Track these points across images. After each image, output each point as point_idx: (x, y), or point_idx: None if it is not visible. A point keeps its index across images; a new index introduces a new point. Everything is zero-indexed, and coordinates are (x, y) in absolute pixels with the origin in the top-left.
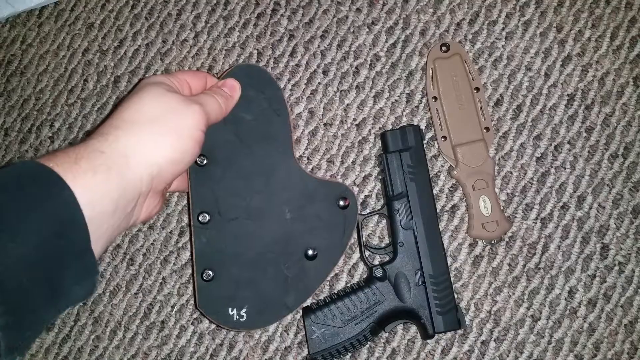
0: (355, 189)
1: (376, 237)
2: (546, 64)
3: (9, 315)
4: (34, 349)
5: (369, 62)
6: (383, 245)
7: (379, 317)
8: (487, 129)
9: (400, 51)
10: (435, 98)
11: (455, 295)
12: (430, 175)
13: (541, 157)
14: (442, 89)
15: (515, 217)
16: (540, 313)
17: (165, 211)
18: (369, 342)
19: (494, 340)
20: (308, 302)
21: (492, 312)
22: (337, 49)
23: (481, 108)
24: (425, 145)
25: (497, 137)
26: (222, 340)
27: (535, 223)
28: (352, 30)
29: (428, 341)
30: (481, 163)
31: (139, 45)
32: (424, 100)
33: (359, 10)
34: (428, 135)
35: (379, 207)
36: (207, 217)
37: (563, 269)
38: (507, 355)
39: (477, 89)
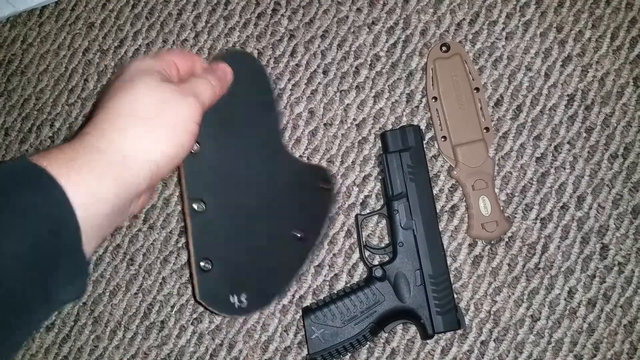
0: (355, 189)
1: (376, 237)
2: (546, 64)
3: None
4: (34, 349)
5: (369, 62)
6: (383, 245)
7: (379, 317)
8: (487, 129)
9: (400, 51)
10: (435, 98)
11: (455, 296)
12: (430, 176)
13: (541, 157)
14: (442, 89)
15: (515, 217)
16: (540, 313)
17: (165, 211)
18: (368, 342)
19: (494, 341)
20: (308, 302)
21: (492, 312)
22: (337, 49)
23: (481, 108)
24: (425, 146)
25: (497, 137)
26: (222, 340)
27: (535, 223)
28: (352, 30)
29: (428, 341)
30: (481, 163)
31: (140, 45)
32: (424, 100)
33: (359, 10)
34: (428, 136)
35: (379, 207)
36: (203, 206)
37: (563, 269)
38: (507, 356)
39: (477, 89)
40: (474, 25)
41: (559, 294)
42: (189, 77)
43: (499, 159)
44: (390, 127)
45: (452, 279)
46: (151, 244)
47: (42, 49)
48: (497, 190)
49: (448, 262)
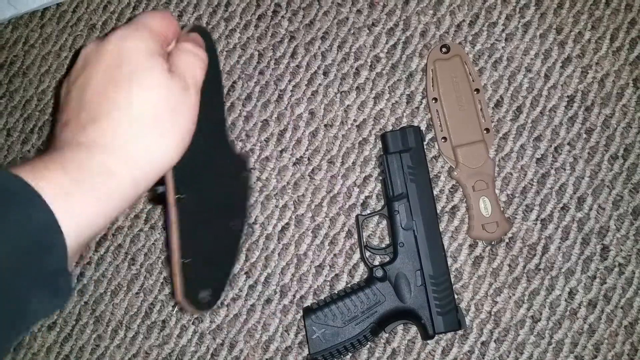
0: (356, 190)
1: (376, 238)
2: (546, 66)
3: None
4: (35, 348)
5: (369, 64)
6: (383, 245)
7: (380, 318)
8: (487, 130)
9: (400, 52)
10: (435, 99)
11: (456, 296)
12: (431, 176)
13: (541, 158)
14: (442, 90)
15: (516, 218)
16: (541, 314)
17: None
18: (369, 343)
19: (494, 341)
20: (309, 302)
21: (493, 313)
22: (337, 50)
23: (481, 109)
24: (425, 146)
25: (497, 138)
26: (223, 340)
27: (536, 224)
28: (352, 31)
29: (428, 342)
30: (481, 164)
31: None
32: (424, 101)
33: (359, 11)
34: (428, 136)
35: (380, 208)
36: (184, 198)
37: (563, 270)
38: (507, 356)
39: (477, 90)
40: (473, 27)
41: (560, 294)
42: (175, 49)
43: (499, 160)
44: (390, 128)
45: (452, 280)
46: (152, 244)
47: (44, 51)
48: (497, 191)
49: (448, 263)
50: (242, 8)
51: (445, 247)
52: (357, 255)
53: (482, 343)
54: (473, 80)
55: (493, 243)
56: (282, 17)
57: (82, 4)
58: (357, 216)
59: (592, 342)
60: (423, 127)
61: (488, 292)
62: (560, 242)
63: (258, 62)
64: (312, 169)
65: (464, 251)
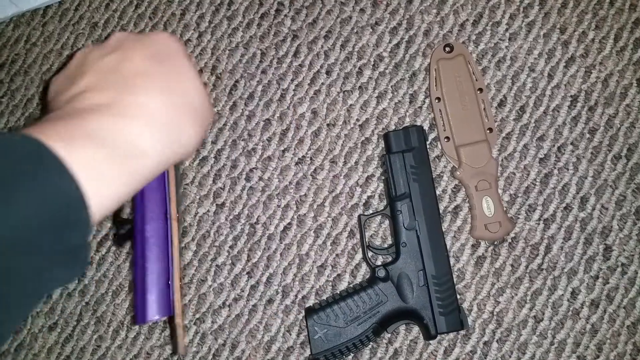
0: (358, 190)
1: (379, 238)
2: (549, 65)
3: None
4: (36, 349)
5: (372, 63)
6: (386, 245)
7: (382, 318)
8: (491, 129)
9: (403, 52)
10: (438, 99)
11: (458, 296)
12: (433, 176)
13: (544, 158)
14: (446, 90)
15: (518, 218)
16: (543, 314)
17: None
18: (371, 343)
19: (497, 341)
20: (311, 302)
21: (495, 313)
22: (340, 49)
23: (484, 109)
24: (428, 146)
25: (500, 138)
26: (225, 340)
27: (538, 224)
28: (355, 30)
29: (430, 342)
30: (484, 164)
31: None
32: (427, 100)
33: (362, 10)
34: (431, 136)
35: (382, 208)
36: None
37: (566, 270)
38: (510, 356)
39: (481, 89)
40: (477, 26)
41: (562, 294)
42: None
43: (502, 160)
44: (393, 127)
45: (455, 280)
46: None
47: (46, 49)
48: (500, 191)
49: (451, 263)
50: (244, 6)
51: (448, 247)
52: (359, 256)
53: (485, 343)
54: (476, 80)
55: (496, 243)
56: (285, 15)
57: (84, 2)
58: (359, 216)
59: (594, 342)
60: (426, 127)
61: (490, 292)
62: (563, 242)
63: (261, 61)
64: (315, 169)
65: (467, 251)
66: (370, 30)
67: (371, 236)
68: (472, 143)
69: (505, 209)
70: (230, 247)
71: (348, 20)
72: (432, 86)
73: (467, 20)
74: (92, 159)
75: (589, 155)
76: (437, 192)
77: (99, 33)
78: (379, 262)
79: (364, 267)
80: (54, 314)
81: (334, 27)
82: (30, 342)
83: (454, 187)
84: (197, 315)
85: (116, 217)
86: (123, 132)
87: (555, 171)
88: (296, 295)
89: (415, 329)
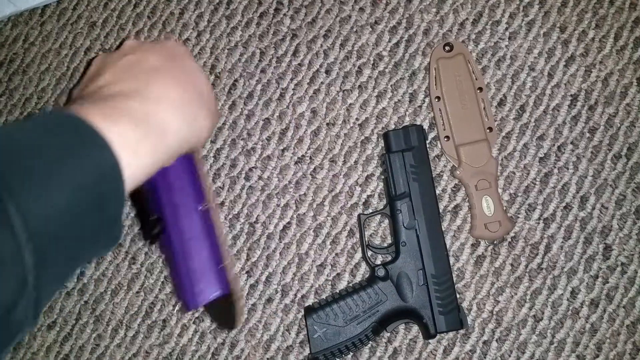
0: (358, 189)
1: (378, 237)
2: (549, 64)
3: (37, 255)
4: (35, 347)
5: (371, 62)
6: (385, 245)
7: (381, 317)
8: (490, 129)
9: (403, 51)
10: (438, 98)
11: (458, 295)
12: (433, 175)
13: (544, 157)
14: (445, 89)
15: (518, 217)
16: (543, 313)
17: None
18: (370, 342)
19: (496, 341)
20: (310, 301)
21: (494, 312)
22: (339, 48)
23: (484, 108)
24: (428, 145)
25: (500, 137)
26: (224, 339)
27: (538, 223)
28: (355, 29)
29: (430, 341)
30: (484, 163)
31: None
32: (426, 100)
33: (362, 9)
34: (431, 135)
35: (382, 207)
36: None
37: (565, 270)
38: (509, 356)
39: (480, 88)
40: (477, 25)
41: (562, 294)
42: None
43: (502, 159)
44: (393, 126)
45: (454, 279)
46: None
47: (44, 48)
48: (500, 190)
49: (451, 262)
50: (243, 6)
51: (448, 247)
52: (358, 255)
53: (484, 342)
54: (476, 79)
55: (495, 242)
56: (284, 14)
57: (82, 2)
58: (359, 215)
59: (594, 342)
60: (426, 126)
61: (490, 291)
62: (562, 242)
63: (260, 60)
64: (314, 168)
65: (466, 250)
66: (370, 29)
67: (371, 235)
68: (471, 142)
69: (505, 208)
70: (230, 246)
71: (347, 19)
72: (432, 85)
73: (467, 19)
74: (126, 133)
75: (589, 155)
76: (437, 192)
77: (97, 32)
78: (378, 262)
79: (363, 267)
80: (53, 313)
81: (333, 26)
82: (29, 341)
83: (454, 187)
84: (196, 314)
85: (145, 215)
86: (151, 112)
87: (555, 170)
88: (295, 295)
89: (415, 328)
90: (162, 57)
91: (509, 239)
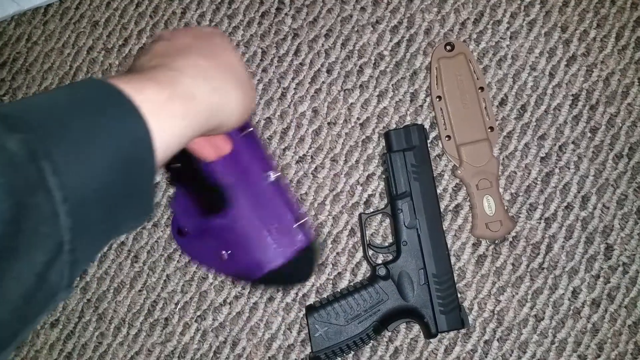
0: (359, 188)
1: (379, 236)
2: (551, 64)
3: (72, 218)
4: (38, 345)
5: (373, 61)
6: (386, 244)
7: (382, 316)
8: (492, 128)
9: (404, 50)
10: (439, 97)
11: (459, 295)
12: (434, 175)
13: (545, 157)
14: (447, 89)
15: (519, 217)
16: (544, 313)
17: (169, 209)
18: (371, 341)
19: (497, 340)
20: (311, 300)
21: (496, 312)
22: (341, 47)
23: (485, 107)
24: (429, 145)
25: (502, 137)
26: (226, 338)
27: (539, 223)
28: (356, 29)
29: (431, 340)
30: (485, 162)
31: (144, 44)
32: (428, 99)
33: (363, 9)
34: (432, 135)
35: (383, 207)
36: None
37: (567, 269)
38: (510, 355)
39: (482, 88)
40: (478, 25)
41: (563, 293)
42: None
43: (503, 159)
44: (394, 126)
45: (455, 278)
46: (155, 241)
47: (47, 47)
48: (501, 190)
49: (452, 262)
50: (245, 5)
51: (449, 246)
52: (360, 254)
53: (485, 342)
54: (477, 79)
55: (496, 242)
56: (286, 14)
57: (85, 1)
58: (360, 214)
59: (595, 342)
60: (427, 126)
61: (491, 290)
62: (564, 241)
63: (261, 60)
64: (315, 167)
65: (468, 250)
66: (371, 28)
67: (372, 235)
68: (473, 142)
69: (506, 207)
70: None
71: (349, 18)
72: (433, 85)
73: (468, 18)
74: (156, 99)
75: (590, 155)
76: (438, 191)
77: (100, 32)
78: (379, 261)
79: (364, 266)
80: (56, 311)
81: (334, 26)
82: (32, 339)
83: (455, 186)
84: (198, 313)
85: (204, 188)
86: (179, 79)
87: (557, 170)
88: (297, 293)
89: (416, 328)
90: (192, 36)
91: (510, 239)
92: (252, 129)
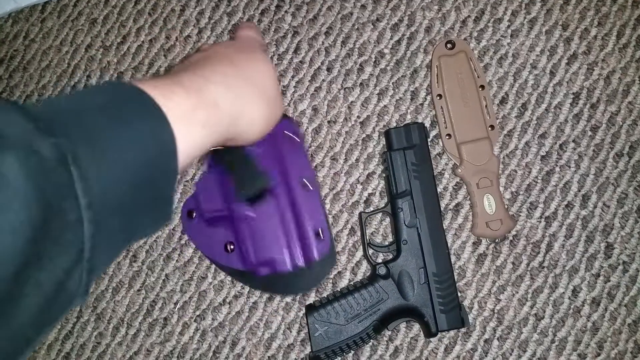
0: (359, 187)
1: (380, 235)
2: (552, 62)
3: (94, 225)
4: (36, 346)
5: (373, 59)
6: (386, 243)
7: (382, 315)
8: (492, 127)
9: (405, 48)
10: (440, 96)
11: (459, 294)
12: (435, 173)
13: (546, 155)
14: (447, 87)
15: (520, 215)
16: (544, 312)
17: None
18: (371, 340)
19: (497, 339)
20: (311, 299)
21: (496, 311)
22: (341, 45)
23: (486, 106)
24: (429, 143)
25: (502, 135)
26: (225, 338)
27: (540, 222)
28: (356, 27)
29: (431, 339)
30: (486, 161)
31: (142, 42)
32: (428, 97)
33: (363, 6)
34: (432, 133)
35: (383, 205)
36: None
37: (567, 268)
38: (510, 354)
39: (482, 86)
40: (479, 23)
41: (563, 292)
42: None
43: (503, 157)
44: (394, 124)
45: (456, 277)
46: (154, 240)
47: (45, 45)
48: (501, 189)
49: (452, 261)
50: (245, 2)
51: (449, 245)
52: (360, 253)
53: (485, 341)
54: (478, 77)
55: (497, 241)
56: (286, 12)
57: None
58: (360, 213)
59: (595, 340)
60: (427, 124)
61: (491, 289)
62: (564, 240)
63: None
64: (315, 166)
65: (468, 249)
66: (372, 26)
67: (372, 234)
68: (473, 140)
69: (506, 206)
70: None
71: (349, 16)
72: (434, 83)
73: (469, 16)
74: (183, 106)
75: (590, 153)
76: (438, 190)
77: (98, 29)
78: (379, 260)
79: (364, 265)
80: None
81: (334, 24)
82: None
83: (455, 185)
84: (198, 312)
85: (247, 177)
86: (204, 86)
87: (557, 169)
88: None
89: (416, 327)
90: (229, 46)
91: (511, 238)
92: (299, 134)
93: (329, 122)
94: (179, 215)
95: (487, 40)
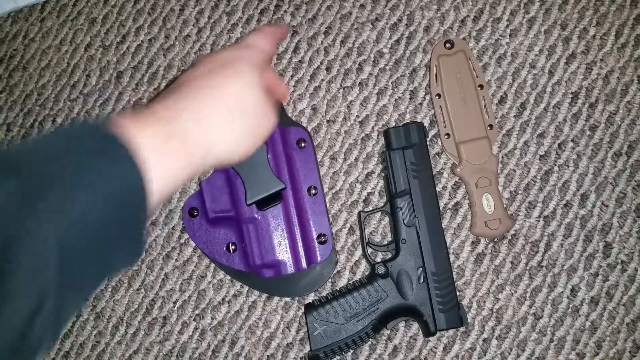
0: (358, 186)
1: (379, 235)
2: (550, 62)
3: (62, 265)
4: None
5: (372, 59)
6: (385, 242)
7: (381, 314)
8: (491, 126)
9: (404, 48)
10: (438, 95)
11: (458, 293)
12: (433, 173)
13: (545, 155)
14: (446, 86)
15: (518, 215)
16: (543, 311)
17: (167, 207)
18: (370, 339)
19: (496, 338)
20: (310, 298)
21: (494, 310)
22: (340, 45)
23: (485, 105)
24: (428, 143)
25: (501, 135)
26: (224, 337)
27: (538, 221)
28: (355, 26)
29: (430, 338)
30: (484, 161)
31: (142, 41)
32: (427, 97)
33: (362, 6)
34: (431, 133)
35: (382, 205)
36: None
37: (565, 267)
38: (509, 353)
39: (481, 86)
40: (478, 22)
41: (562, 292)
42: (271, 73)
43: (502, 157)
44: (393, 124)
45: (454, 277)
46: (153, 240)
47: (44, 45)
48: (500, 188)
49: (451, 260)
50: (244, 2)
51: (448, 244)
52: (359, 252)
53: (484, 340)
54: (477, 76)
55: (495, 240)
56: (285, 11)
57: None
58: (359, 213)
59: (594, 340)
60: (426, 123)
61: (490, 289)
62: (562, 239)
63: None
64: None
65: (467, 248)
66: (371, 26)
67: (371, 233)
68: (472, 140)
69: (505, 206)
70: None
71: (348, 16)
72: (433, 82)
73: (468, 16)
74: (155, 135)
75: (589, 153)
76: (437, 189)
77: (98, 29)
78: (378, 259)
79: (363, 264)
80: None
81: (333, 23)
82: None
83: (454, 184)
84: (197, 312)
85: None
86: (174, 114)
87: (556, 168)
88: None
89: (415, 326)
90: (204, 66)
91: (509, 237)
92: (308, 141)
93: (328, 121)
94: (179, 214)
95: (486, 39)
